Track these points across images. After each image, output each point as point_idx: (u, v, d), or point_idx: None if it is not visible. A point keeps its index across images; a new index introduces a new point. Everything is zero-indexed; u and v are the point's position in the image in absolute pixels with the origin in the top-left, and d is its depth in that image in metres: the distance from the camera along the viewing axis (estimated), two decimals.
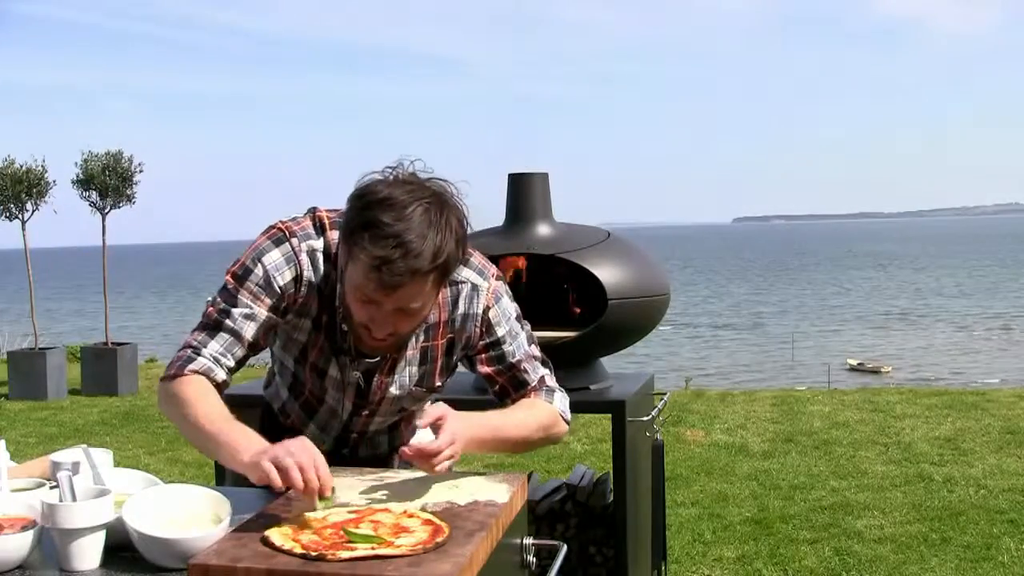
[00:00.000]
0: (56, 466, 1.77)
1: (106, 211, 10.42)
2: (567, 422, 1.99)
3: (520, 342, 1.96)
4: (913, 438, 6.80)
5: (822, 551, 4.57)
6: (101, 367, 9.98)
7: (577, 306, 3.35)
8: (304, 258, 1.83)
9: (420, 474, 1.83)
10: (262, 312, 1.82)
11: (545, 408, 1.95)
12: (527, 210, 3.33)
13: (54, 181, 10.26)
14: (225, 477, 3.22)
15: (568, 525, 3.54)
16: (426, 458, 1.66)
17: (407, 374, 1.93)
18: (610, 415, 3.16)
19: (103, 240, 10.55)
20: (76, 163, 10.34)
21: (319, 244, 1.84)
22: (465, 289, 1.90)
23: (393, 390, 1.94)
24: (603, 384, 3.31)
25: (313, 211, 1.88)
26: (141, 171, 10.53)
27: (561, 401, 1.99)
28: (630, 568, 3.15)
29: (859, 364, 20.79)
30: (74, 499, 1.50)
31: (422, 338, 1.90)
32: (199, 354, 1.80)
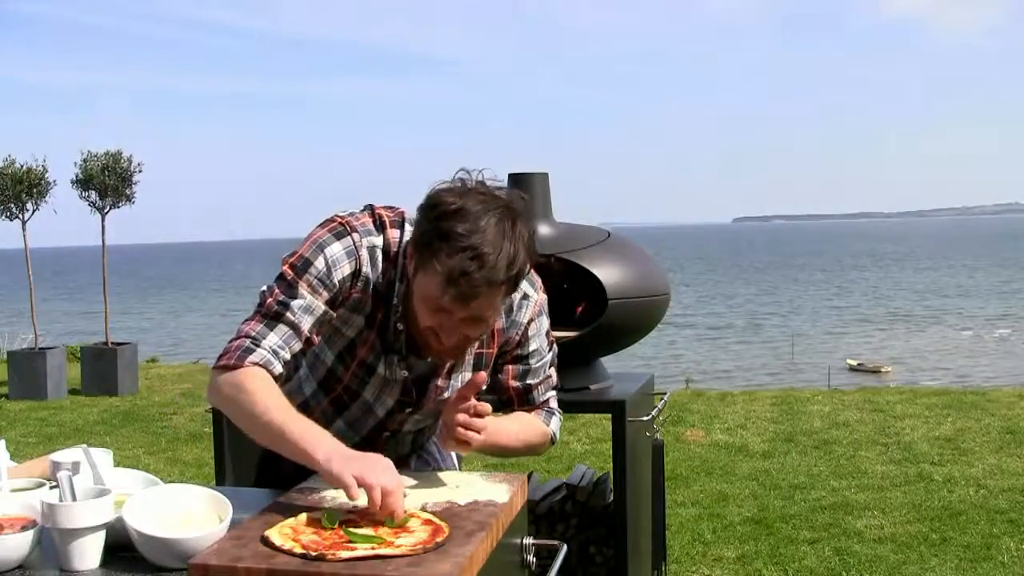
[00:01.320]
0: (56, 466, 1.77)
1: (106, 211, 10.43)
2: (553, 442, 2.07)
3: (544, 363, 2.01)
4: (913, 438, 6.80)
5: (822, 551, 4.58)
6: (101, 367, 9.98)
7: (577, 306, 3.35)
8: (364, 254, 1.82)
9: (419, 474, 1.84)
10: (320, 305, 1.79)
11: (539, 429, 2.02)
12: (527, 210, 3.32)
13: (54, 181, 10.28)
14: (225, 477, 3.23)
15: (568, 525, 3.54)
16: (477, 414, 1.73)
17: (460, 379, 1.95)
18: (610, 415, 3.16)
19: (103, 240, 10.55)
20: (76, 163, 10.35)
21: (379, 241, 1.83)
22: (517, 298, 1.92)
23: (447, 395, 1.96)
24: (603, 384, 3.31)
25: (371, 208, 1.88)
26: (141, 171, 10.55)
27: (556, 424, 2.06)
28: (630, 568, 3.15)
29: (859, 364, 20.79)
30: (74, 499, 1.50)
31: (477, 344, 1.92)
32: (258, 345, 1.75)
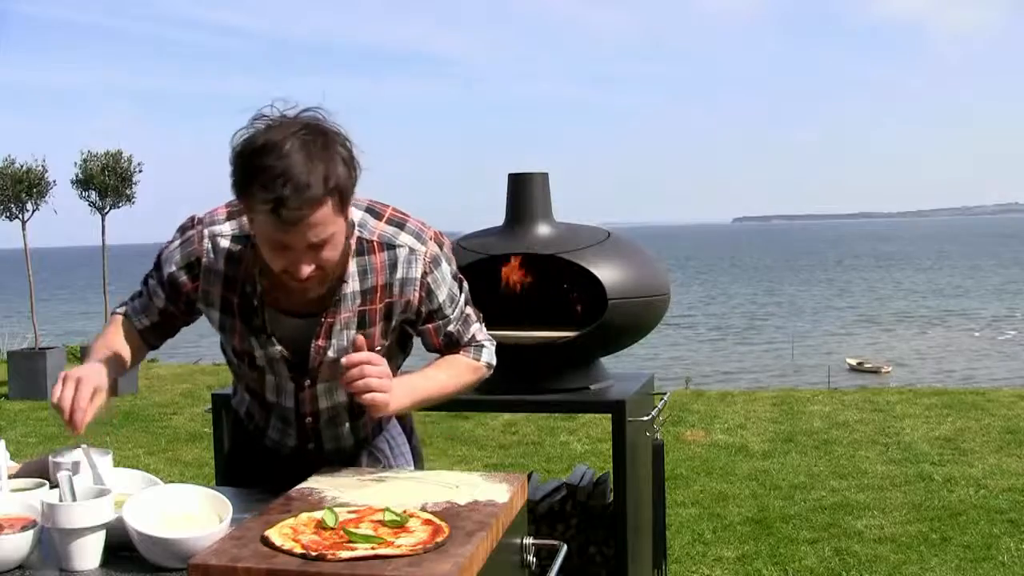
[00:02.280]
0: (56, 466, 1.77)
1: (106, 211, 10.43)
2: (491, 368, 2.08)
3: (459, 306, 2.00)
4: (913, 438, 6.80)
5: (822, 551, 4.57)
6: None
7: (577, 306, 3.35)
8: (205, 244, 1.88)
9: (419, 474, 1.84)
10: (160, 293, 1.96)
11: (470, 366, 2.03)
12: (527, 210, 3.33)
13: (54, 181, 10.28)
14: (225, 477, 3.23)
15: (568, 525, 3.54)
16: (361, 368, 1.72)
17: (344, 337, 1.90)
18: (610, 415, 3.16)
19: (103, 240, 10.55)
20: (76, 163, 10.35)
21: (225, 228, 1.88)
22: (403, 254, 1.89)
23: (331, 354, 1.91)
24: (603, 384, 3.31)
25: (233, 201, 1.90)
26: (140, 171, 10.55)
27: (488, 354, 2.07)
28: (630, 568, 3.15)
29: (859, 364, 20.77)
30: (74, 499, 1.50)
31: (359, 301, 1.89)
32: (128, 303, 2.03)
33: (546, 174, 3.40)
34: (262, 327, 1.89)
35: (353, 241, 1.86)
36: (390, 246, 1.88)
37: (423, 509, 1.56)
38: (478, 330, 2.05)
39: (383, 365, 1.76)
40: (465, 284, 2.03)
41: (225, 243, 1.87)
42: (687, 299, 39.37)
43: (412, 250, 1.89)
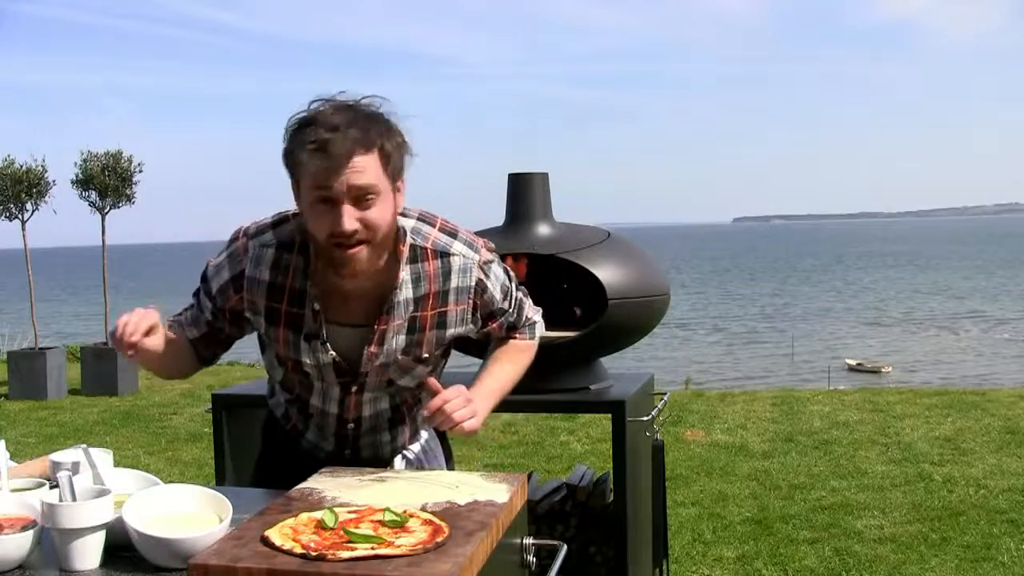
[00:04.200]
0: (56, 466, 1.77)
1: (106, 211, 10.43)
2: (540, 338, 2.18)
3: (512, 296, 2.06)
4: (913, 438, 6.80)
5: (822, 551, 4.57)
6: (101, 367, 9.98)
7: (577, 306, 3.35)
8: (249, 254, 1.89)
9: (420, 474, 1.84)
10: (209, 305, 1.96)
11: (526, 349, 2.12)
12: (527, 210, 3.33)
13: (54, 181, 10.28)
14: (225, 477, 3.23)
15: (568, 525, 3.54)
16: (442, 411, 1.80)
17: (394, 342, 1.93)
18: (610, 415, 3.16)
19: (103, 240, 10.55)
20: (76, 163, 10.35)
21: (269, 237, 1.89)
22: (457, 262, 1.92)
23: (381, 359, 1.94)
24: (603, 384, 3.31)
25: (282, 212, 1.95)
26: (140, 171, 10.56)
27: (539, 328, 2.16)
28: (630, 568, 3.15)
29: (859, 364, 20.77)
30: (74, 499, 1.50)
31: (411, 308, 1.91)
32: (178, 315, 2.01)
33: (546, 174, 3.40)
34: (316, 333, 1.90)
35: (406, 248, 1.87)
36: (444, 254, 1.91)
37: (423, 509, 1.56)
38: (529, 308, 2.12)
39: (460, 395, 1.84)
40: (515, 278, 2.09)
41: (269, 252, 1.88)
42: (688, 299, 39.37)
43: (465, 257, 1.93)
